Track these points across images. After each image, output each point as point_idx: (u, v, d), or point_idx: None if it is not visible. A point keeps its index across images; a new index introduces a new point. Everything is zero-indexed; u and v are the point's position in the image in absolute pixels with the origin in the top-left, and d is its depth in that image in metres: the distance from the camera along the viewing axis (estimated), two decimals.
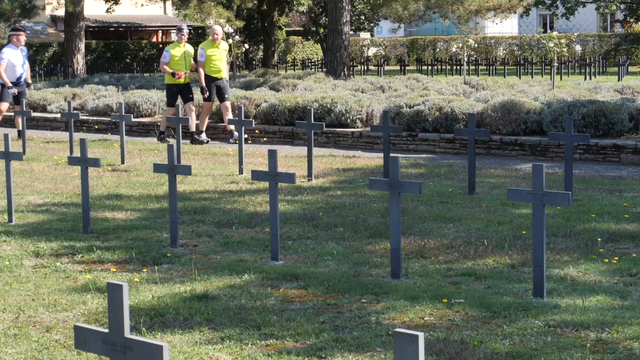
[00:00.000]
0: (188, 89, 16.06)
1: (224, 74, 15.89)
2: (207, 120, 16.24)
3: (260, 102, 17.40)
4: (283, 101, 16.71)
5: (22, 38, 16.60)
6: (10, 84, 16.33)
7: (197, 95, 16.85)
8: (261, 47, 45.56)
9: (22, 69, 16.61)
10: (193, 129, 16.02)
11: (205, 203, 10.11)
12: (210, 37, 15.94)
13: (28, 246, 8.09)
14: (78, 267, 7.40)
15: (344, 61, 25.50)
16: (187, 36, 16.13)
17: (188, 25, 58.47)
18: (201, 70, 15.72)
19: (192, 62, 16.12)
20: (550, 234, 8.15)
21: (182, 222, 8.95)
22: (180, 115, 14.62)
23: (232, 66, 28.99)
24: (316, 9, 43.28)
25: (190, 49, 16.09)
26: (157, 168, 8.07)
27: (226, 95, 15.90)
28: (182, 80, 15.84)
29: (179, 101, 16.15)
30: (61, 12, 40.56)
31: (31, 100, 21.10)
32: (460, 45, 36.01)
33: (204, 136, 16.07)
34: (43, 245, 8.08)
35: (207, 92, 15.68)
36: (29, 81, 17.03)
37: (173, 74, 15.74)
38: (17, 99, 16.54)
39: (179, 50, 15.89)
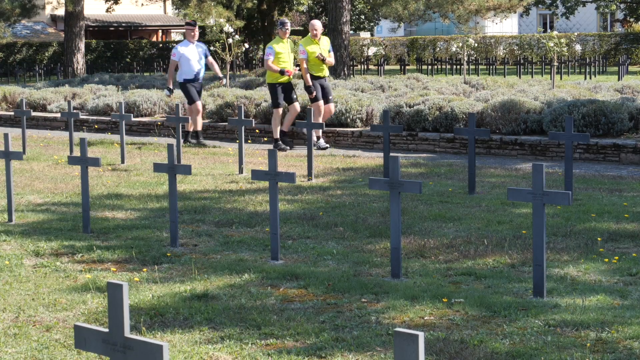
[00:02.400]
0: (291, 89, 14.97)
1: (326, 71, 14.92)
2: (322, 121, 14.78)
3: (260, 102, 17.38)
4: None
5: (193, 33, 15.32)
6: (170, 86, 15.62)
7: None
8: (261, 46, 45.54)
9: (200, 65, 15.37)
10: (277, 135, 14.92)
11: (205, 202, 10.11)
12: (309, 33, 14.80)
13: (28, 246, 8.09)
14: (78, 266, 7.41)
15: (344, 60, 25.51)
16: (290, 31, 15.00)
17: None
18: (305, 68, 14.60)
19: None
20: (550, 234, 8.15)
21: (182, 221, 8.95)
22: (287, 117, 14.08)
23: (232, 65, 29.02)
24: (316, 9, 43.29)
25: (292, 44, 15.10)
26: (157, 167, 8.07)
27: (330, 97, 14.92)
28: (287, 79, 14.69)
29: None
30: (61, 12, 40.59)
31: (31, 100, 21.13)
32: (460, 44, 35.99)
33: (322, 141, 14.88)
34: (43, 245, 8.08)
35: (315, 92, 14.61)
36: (220, 74, 16.05)
37: (282, 72, 14.52)
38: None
39: (284, 47, 14.75)
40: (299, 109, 14.99)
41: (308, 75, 14.62)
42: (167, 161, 7.98)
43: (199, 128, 15.60)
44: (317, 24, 14.70)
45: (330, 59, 14.82)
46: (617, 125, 13.62)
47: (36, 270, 7.30)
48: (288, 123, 15.07)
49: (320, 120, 14.49)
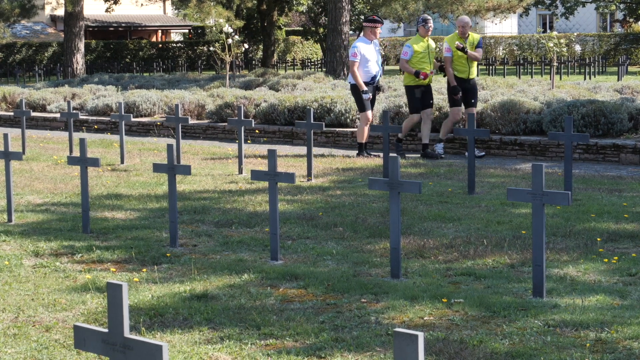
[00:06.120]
0: (430, 92, 13.78)
1: (473, 73, 13.66)
2: (450, 128, 13.69)
3: (260, 102, 17.40)
4: (283, 101, 16.71)
5: (378, 31, 13.70)
6: (364, 87, 13.42)
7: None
8: (261, 46, 45.55)
9: (378, 66, 13.72)
10: (426, 140, 13.72)
11: (205, 203, 10.11)
12: (457, 31, 13.68)
13: (27, 246, 8.09)
14: (78, 266, 7.41)
15: (344, 61, 25.51)
16: (432, 28, 13.76)
17: (187, 25, 58.47)
18: (450, 68, 13.45)
19: (435, 60, 13.91)
20: (550, 234, 8.15)
21: (181, 221, 8.94)
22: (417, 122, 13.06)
23: (231, 65, 29.01)
24: (316, 9, 43.30)
25: (432, 43, 13.80)
26: (157, 168, 8.07)
27: (473, 100, 13.63)
28: (426, 81, 13.55)
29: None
30: (61, 12, 40.61)
31: (30, 100, 21.12)
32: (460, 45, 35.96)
33: (440, 146, 13.80)
34: (42, 245, 8.08)
35: (460, 94, 13.44)
36: (381, 83, 14.30)
37: (417, 74, 13.37)
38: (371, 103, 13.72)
39: (423, 46, 13.53)
40: (432, 116, 13.81)
41: (452, 75, 13.42)
42: (166, 161, 7.98)
43: (363, 140, 13.83)
44: (466, 20, 13.53)
45: (474, 53, 13.44)
46: (617, 126, 13.63)
47: (36, 270, 7.30)
48: (426, 132, 13.72)
49: (449, 125, 13.58)
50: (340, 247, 7.92)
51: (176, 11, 46.50)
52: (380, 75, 13.91)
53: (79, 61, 33.63)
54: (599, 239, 7.99)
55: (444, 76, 14.07)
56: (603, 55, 44.71)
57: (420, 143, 14.22)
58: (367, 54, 13.56)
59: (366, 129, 13.69)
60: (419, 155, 13.89)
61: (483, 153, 13.79)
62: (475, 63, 13.67)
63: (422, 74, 13.38)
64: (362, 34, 13.83)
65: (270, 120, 16.77)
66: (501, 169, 12.51)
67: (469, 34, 13.56)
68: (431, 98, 13.80)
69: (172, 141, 15.61)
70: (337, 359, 5.19)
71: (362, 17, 46.17)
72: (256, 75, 27.16)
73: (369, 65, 13.60)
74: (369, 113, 13.56)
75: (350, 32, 36.69)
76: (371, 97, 13.57)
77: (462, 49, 13.35)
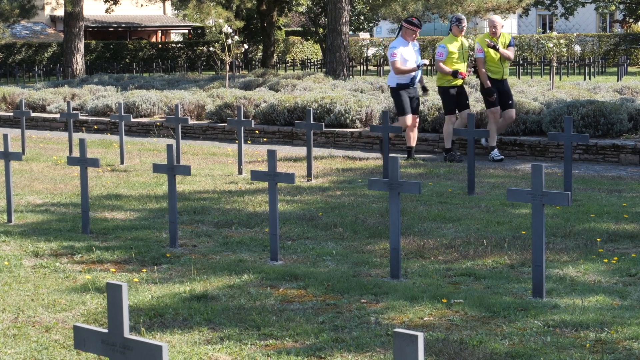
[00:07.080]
0: (464, 93, 13.38)
1: (506, 73, 13.28)
2: (496, 131, 13.31)
3: (260, 102, 17.40)
4: (282, 101, 16.71)
5: (415, 35, 13.13)
6: (412, 67, 13.01)
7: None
8: (260, 47, 45.57)
9: (417, 68, 13.23)
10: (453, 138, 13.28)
11: (205, 203, 10.11)
12: (487, 31, 13.33)
13: (27, 246, 8.09)
14: (77, 267, 7.41)
15: (344, 61, 25.52)
16: (466, 28, 13.37)
17: (187, 26, 58.43)
18: (483, 69, 13.08)
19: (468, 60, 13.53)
20: (550, 234, 8.15)
21: (181, 222, 8.94)
22: (458, 125, 12.74)
23: (231, 66, 29.00)
24: (315, 9, 43.30)
25: (466, 42, 13.42)
26: (157, 168, 8.07)
27: (510, 102, 13.33)
28: (460, 81, 13.14)
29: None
30: (60, 12, 40.63)
31: (30, 101, 21.12)
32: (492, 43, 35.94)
33: (496, 152, 13.35)
34: (42, 246, 8.08)
35: (495, 94, 13.09)
36: (424, 84, 13.65)
37: (455, 74, 12.94)
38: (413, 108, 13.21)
39: (457, 45, 13.13)
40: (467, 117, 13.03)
41: (486, 77, 13.09)
42: (166, 162, 7.98)
43: (412, 144, 13.41)
44: (498, 20, 13.19)
45: (507, 52, 13.08)
46: (617, 126, 13.62)
47: (35, 270, 7.30)
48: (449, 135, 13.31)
49: (501, 129, 13.31)
50: (340, 248, 7.92)
51: (176, 11, 46.50)
52: (419, 77, 13.37)
53: (79, 61, 33.64)
54: (598, 240, 7.99)
55: (477, 77, 13.80)
56: (603, 55, 44.71)
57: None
58: (405, 55, 13.07)
59: (412, 134, 13.29)
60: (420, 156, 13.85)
61: (502, 157, 13.39)
62: (508, 63, 13.34)
63: (460, 73, 12.98)
64: (399, 34, 13.37)
65: (270, 120, 16.77)
66: (501, 170, 12.51)
67: (500, 34, 13.18)
68: (467, 98, 13.43)
69: (172, 141, 15.61)
70: (337, 359, 5.19)
71: (362, 16, 46.23)
72: (256, 75, 27.16)
73: (408, 66, 13.13)
74: (408, 118, 13.07)
75: (350, 32, 36.71)
76: (422, 93, 13.38)
77: (494, 47, 13.00)
